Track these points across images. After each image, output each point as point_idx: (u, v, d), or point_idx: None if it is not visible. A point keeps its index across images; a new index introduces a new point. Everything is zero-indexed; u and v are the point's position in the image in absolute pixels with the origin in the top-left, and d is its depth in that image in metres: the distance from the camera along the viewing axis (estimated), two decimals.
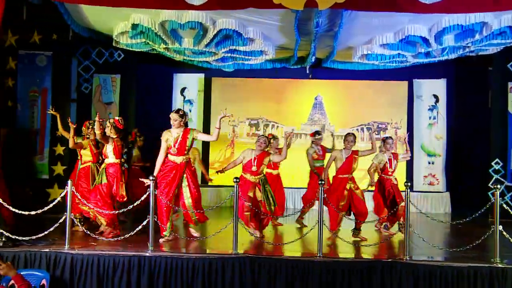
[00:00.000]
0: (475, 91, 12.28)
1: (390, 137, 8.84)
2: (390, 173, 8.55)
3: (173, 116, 7.31)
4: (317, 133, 9.69)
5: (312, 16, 7.94)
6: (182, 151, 7.30)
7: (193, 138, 7.34)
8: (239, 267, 6.30)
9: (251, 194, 7.64)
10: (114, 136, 7.77)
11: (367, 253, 6.92)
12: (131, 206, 7.07)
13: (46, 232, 6.65)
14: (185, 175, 7.33)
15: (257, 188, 7.78)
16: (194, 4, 7.04)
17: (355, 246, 7.25)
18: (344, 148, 8.23)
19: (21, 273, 5.31)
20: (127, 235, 6.82)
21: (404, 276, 6.23)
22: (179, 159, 7.30)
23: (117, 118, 7.96)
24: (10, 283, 5.26)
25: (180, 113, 7.34)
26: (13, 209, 6.79)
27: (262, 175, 7.87)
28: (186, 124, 7.46)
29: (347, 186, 8.10)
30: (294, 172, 11.58)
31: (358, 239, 7.92)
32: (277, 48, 9.95)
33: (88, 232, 6.94)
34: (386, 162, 8.55)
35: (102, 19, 9.07)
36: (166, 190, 7.20)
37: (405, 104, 12.94)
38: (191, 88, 13.17)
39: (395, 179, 8.60)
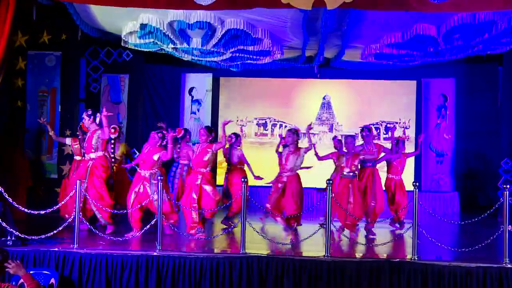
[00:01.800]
0: (484, 90, 12.22)
1: (366, 127, 8.62)
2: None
3: (84, 116, 7.94)
4: (362, 129, 8.91)
5: (320, 15, 7.93)
6: (89, 149, 7.86)
7: (98, 137, 7.79)
8: (247, 267, 6.30)
9: (138, 189, 7.68)
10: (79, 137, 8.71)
11: (376, 253, 6.91)
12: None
13: (55, 231, 6.70)
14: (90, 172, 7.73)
15: (146, 183, 7.71)
16: (202, 4, 7.05)
17: (364, 246, 7.23)
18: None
19: (30, 272, 5.34)
20: (135, 235, 6.85)
21: (413, 276, 6.21)
22: (88, 157, 7.87)
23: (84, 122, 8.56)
24: (20, 282, 5.28)
25: (88, 112, 7.92)
26: (23, 208, 6.84)
27: (155, 170, 7.85)
28: (99, 124, 7.87)
29: (197, 182, 7.73)
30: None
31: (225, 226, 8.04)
32: (285, 47, 9.94)
33: (96, 231, 6.99)
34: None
35: (110, 19, 9.09)
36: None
37: (414, 104, 12.90)
38: (199, 88, 13.20)
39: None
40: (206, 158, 7.78)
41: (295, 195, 8.03)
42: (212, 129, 8.18)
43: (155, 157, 7.71)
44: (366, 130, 8.57)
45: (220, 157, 12.68)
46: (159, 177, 6.78)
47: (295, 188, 8.07)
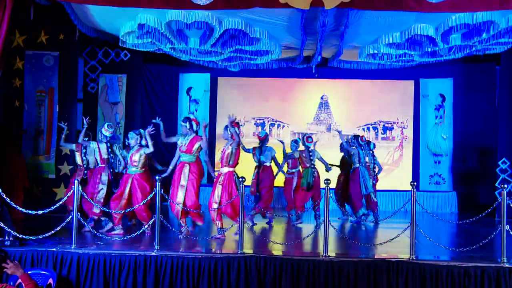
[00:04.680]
0: (482, 90, 12.24)
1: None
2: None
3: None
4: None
5: (318, 15, 7.94)
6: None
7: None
8: (245, 267, 6.30)
9: None
10: None
11: (373, 253, 6.91)
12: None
13: (52, 232, 6.69)
14: None
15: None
16: (200, 4, 7.05)
17: (362, 246, 7.23)
18: None
19: (28, 272, 5.33)
20: (133, 235, 6.85)
21: (411, 276, 6.21)
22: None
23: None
24: (18, 282, 5.28)
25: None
26: (21, 209, 6.82)
27: None
28: None
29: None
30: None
31: None
32: (283, 47, 9.95)
33: (95, 232, 6.99)
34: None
35: (108, 19, 9.10)
36: None
37: (412, 104, 12.91)
38: (197, 87, 13.20)
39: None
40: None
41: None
42: (191, 119, 8.22)
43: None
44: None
45: (218, 158, 12.76)
46: (157, 177, 6.77)
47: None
